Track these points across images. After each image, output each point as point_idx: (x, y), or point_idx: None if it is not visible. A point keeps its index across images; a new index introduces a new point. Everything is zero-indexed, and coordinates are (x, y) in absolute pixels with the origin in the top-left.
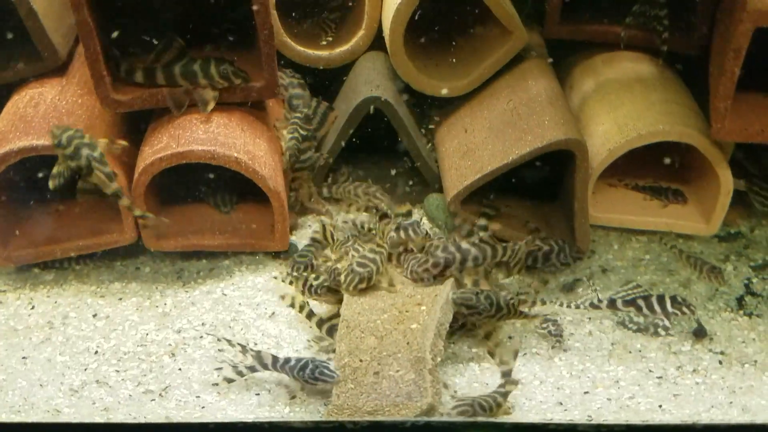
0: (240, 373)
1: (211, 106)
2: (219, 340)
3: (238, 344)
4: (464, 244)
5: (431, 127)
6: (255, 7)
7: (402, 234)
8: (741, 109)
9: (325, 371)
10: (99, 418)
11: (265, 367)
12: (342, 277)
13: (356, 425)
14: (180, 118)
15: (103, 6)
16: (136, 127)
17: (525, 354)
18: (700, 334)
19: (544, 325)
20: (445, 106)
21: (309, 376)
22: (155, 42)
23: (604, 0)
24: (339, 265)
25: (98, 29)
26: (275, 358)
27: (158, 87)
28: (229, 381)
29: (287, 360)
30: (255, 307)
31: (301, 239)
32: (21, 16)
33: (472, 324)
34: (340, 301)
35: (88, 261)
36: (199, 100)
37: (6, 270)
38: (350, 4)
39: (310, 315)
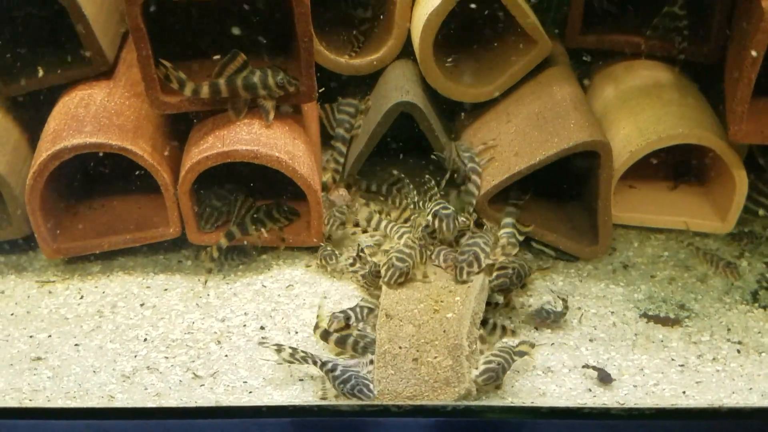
0: (297, 360)
1: (272, 114)
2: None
3: (290, 347)
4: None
5: (458, 130)
6: (297, 17)
7: (436, 223)
8: (756, 113)
9: (365, 390)
10: (152, 404)
11: (314, 364)
12: (383, 271)
13: (400, 408)
14: (223, 120)
15: (152, 14)
16: (179, 127)
17: (553, 344)
18: (606, 379)
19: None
20: (472, 111)
21: (348, 391)
22: (202, 50)
23: (623, 11)
24: (376, 259)
25: (150, 35)
26: (324, 363)
27: (222, 98)
28: (289, 363)
29: (333, 368)
30: (293, 297)
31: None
32: (73, 23)
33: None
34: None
35: (133, 254)
36: (262, 111)
37: (54, 261)
38: (380, 14)
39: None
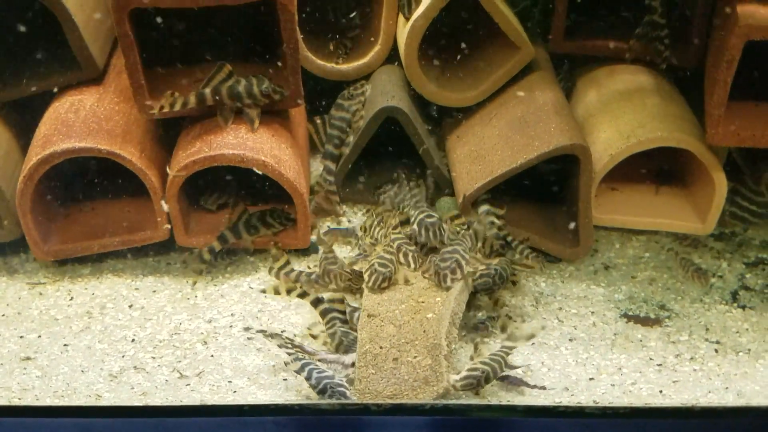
0: (285, 346)
1: (257, 123)
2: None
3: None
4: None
5: (443, 134)
6: (282, 23)
7: (422, 233)
8: (733, 116)
9: (342, 399)
10: (138, 403)
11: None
12: (365, 276)
13: (380, 407)
14: (211, 124)
15: (139, 20)
16: (168, 131)
17: (533, 343)
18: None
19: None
20: (457, 116)
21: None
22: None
23: (605, 17)
24: (357, 267)
25: (138, 41)
26: (299, 369)
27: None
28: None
29: (309, 377)
30: (279, 299)
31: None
32: (63, 30)
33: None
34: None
35: (122, 256)
36: (247, 119)
37: (45, 263)
38: (366, 20)
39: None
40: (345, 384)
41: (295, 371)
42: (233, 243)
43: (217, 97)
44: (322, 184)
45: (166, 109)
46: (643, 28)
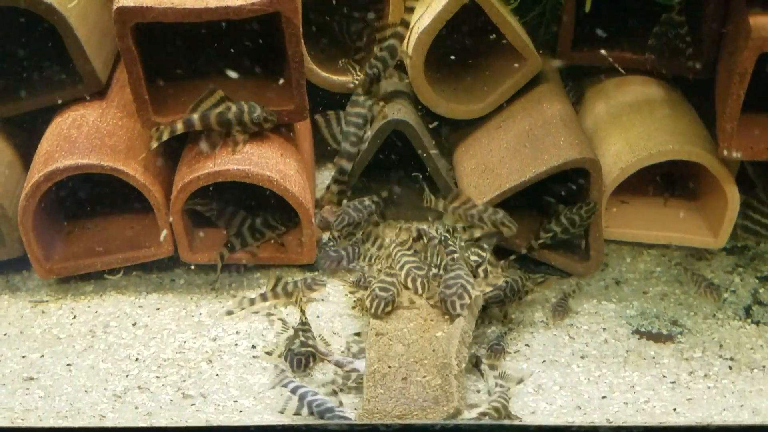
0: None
1: (240, 147)
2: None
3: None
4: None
5: (450, 147)
6: (287, 37)
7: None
8: (746, 129)
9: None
10: (142, 423)
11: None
12: (367, 303)
13: (389, 428)
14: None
15: (142, 35)
16: (171, 146)
17: (544, 361)
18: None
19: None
20: (463, 128)
21: None
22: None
23: (613, 27)
24: (359, 294)
25: (140, 56)
26: (303, 396)
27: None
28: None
29: (310, 409)
30: (285, 316)
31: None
32: (65, 44)
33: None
34: None
35: (126, 273)
36: (231, 141)
37: (48, 282)
38: (373, 38)
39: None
40: (347, 416)
41: (297, 396)
42: (233, 257)
43: (205, 124)
44: (332, 187)
45: (155, 144)
46: (660, 27)
